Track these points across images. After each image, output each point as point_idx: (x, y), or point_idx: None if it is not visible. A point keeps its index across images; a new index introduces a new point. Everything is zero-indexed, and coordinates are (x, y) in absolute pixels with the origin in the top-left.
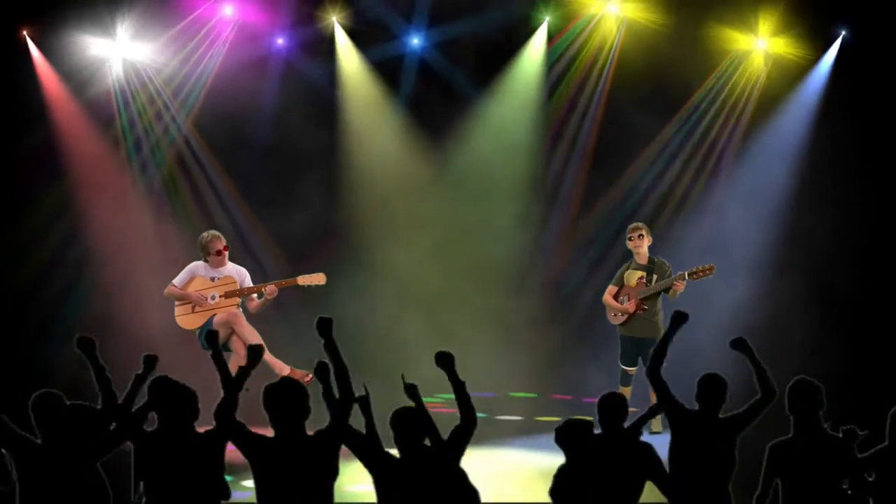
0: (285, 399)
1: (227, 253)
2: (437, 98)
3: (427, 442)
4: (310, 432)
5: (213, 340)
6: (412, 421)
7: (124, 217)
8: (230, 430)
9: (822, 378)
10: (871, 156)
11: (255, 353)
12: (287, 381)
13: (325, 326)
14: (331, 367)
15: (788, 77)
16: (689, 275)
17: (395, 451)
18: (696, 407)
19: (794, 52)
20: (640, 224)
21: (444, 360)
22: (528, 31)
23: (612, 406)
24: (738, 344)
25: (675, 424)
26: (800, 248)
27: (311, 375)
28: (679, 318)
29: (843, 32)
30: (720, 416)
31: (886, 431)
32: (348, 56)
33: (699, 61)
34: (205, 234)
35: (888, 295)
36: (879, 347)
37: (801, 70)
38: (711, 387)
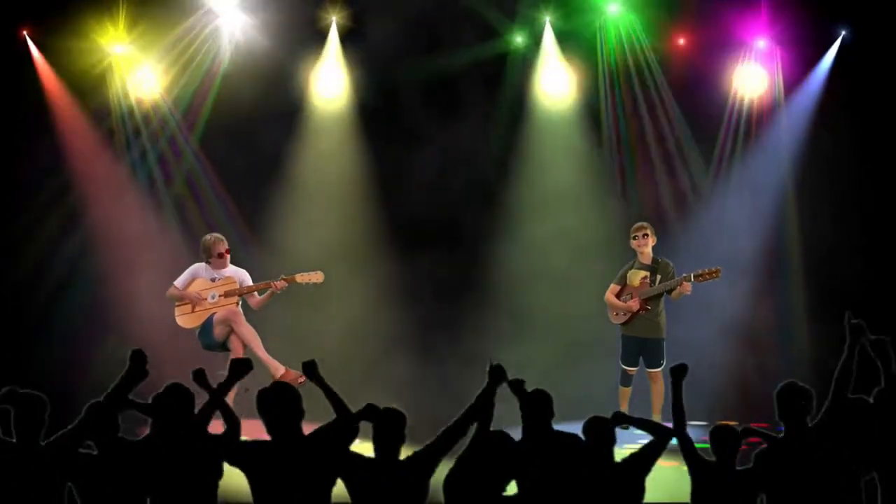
0: (278, 402)
1: (228, 256)
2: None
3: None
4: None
5: (201, 381)
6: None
7: (123, 213)
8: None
9: (823, 377)
10: (871, 156)
11: (239, 366)
12: (278, 386)
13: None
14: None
15: (788, 77)
16: (695, 277)
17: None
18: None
19: (795, 53)
20: (644, 224)
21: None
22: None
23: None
24: (676, 371)
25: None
26: (800, 248)
27: (305, 376)
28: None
29: (844, 32)
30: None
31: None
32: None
33: (700, 61)
34: (208, 236)
35: (889, 294)
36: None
37: (802, 70)
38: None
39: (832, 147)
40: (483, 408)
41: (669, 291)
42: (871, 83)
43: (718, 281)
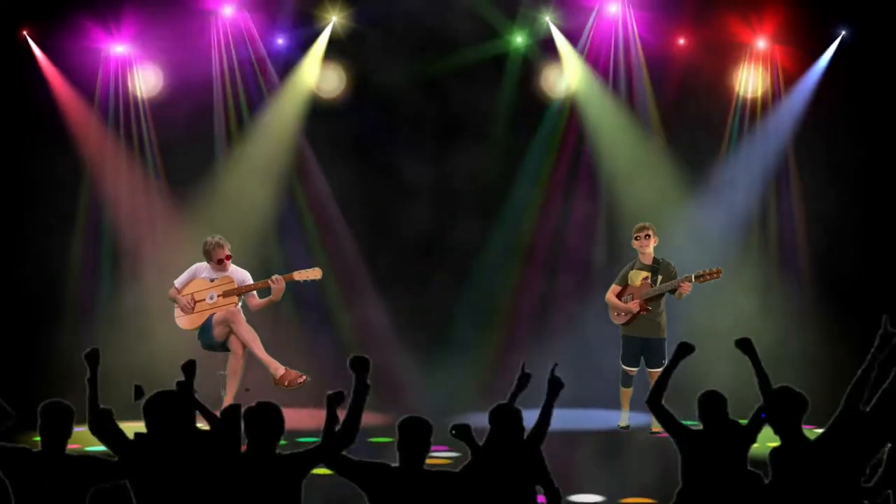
0: (263, 422)
1: (229, 262)
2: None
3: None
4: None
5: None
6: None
7: (137, 209)
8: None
9: (829, 376)
10: (871, 154)
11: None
12: (264, 406)
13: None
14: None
15: (787, 78)
16: (695, 277)
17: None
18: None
19: (794, 52)
20: (647, 224)
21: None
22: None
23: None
24: (743, 345)
25: (684, 450)
26: (799, 250)
27: (304, 377)
28: (683, 350)
29: (843, 32)
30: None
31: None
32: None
33: (700, 60)
34: (209, 239)
35: (890, 290)
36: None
37: (800, 70)
38: (711, 404)
39: (831, 144)
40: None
41: (672, 292)
42: (871, 82)
43: (730, 278)
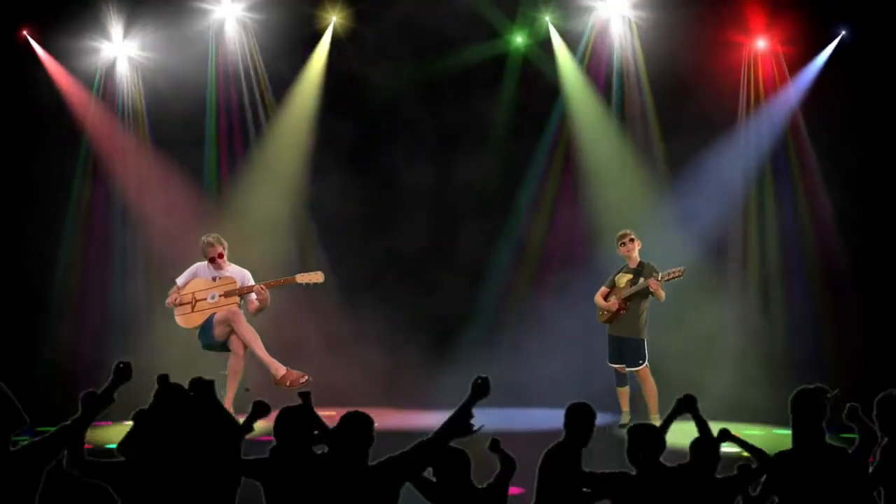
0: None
1: (222, 260)
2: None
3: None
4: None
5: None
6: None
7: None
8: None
9: (830, 376)
10: (869, 155)
11: (259, 409)
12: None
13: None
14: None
15: (787, 77)
16: (661, 277)
17: None
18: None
19: (794, 52)
20: (627, 231)
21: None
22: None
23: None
24: (686, 403)
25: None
26: (799, 249)
27: (307, 377)
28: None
29: (843, 32)
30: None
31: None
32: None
33: (700, 60)
34: (204, 237)
35: (890, 289)
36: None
37: (800, 70)
38: (703, 450)
39: (831, 143)
40: (462, 422)
41: (648, 292)
42: (870, 83)
43: (728, 278)
